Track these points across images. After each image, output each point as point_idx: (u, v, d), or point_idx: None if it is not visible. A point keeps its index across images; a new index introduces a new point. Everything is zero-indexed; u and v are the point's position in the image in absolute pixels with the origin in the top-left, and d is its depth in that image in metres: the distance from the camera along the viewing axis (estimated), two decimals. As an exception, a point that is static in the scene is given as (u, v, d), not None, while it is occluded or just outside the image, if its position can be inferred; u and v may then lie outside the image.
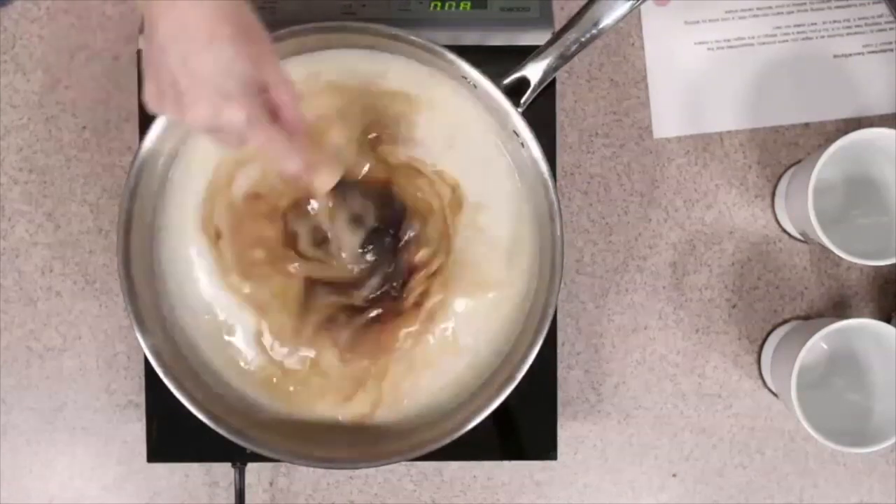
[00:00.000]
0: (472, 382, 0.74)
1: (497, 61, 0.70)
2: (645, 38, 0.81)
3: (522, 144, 0.70)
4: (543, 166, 0.69)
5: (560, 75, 0.72)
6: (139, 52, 0.76)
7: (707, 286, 0.82)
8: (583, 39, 0.68)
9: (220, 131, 0.59)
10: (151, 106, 0.59)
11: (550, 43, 0.69)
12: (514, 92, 0.69)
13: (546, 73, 0.69)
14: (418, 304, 0.73)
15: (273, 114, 0.60)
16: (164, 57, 0.56)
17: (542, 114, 0.74)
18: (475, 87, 0.70)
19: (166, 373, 0.70)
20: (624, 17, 0.67)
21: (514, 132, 0.70)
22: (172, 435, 0.78)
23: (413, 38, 0.69)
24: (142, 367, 0.79)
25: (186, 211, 0.73)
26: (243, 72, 0.56)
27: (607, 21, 0.68)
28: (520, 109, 0.69)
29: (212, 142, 0.61)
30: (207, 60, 0.56)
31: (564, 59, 0.69)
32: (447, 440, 0.70)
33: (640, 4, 0.67)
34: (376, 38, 0.71)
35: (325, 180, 0.66)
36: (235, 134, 0.59)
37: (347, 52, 0.73)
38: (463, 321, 0.74)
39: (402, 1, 0.77)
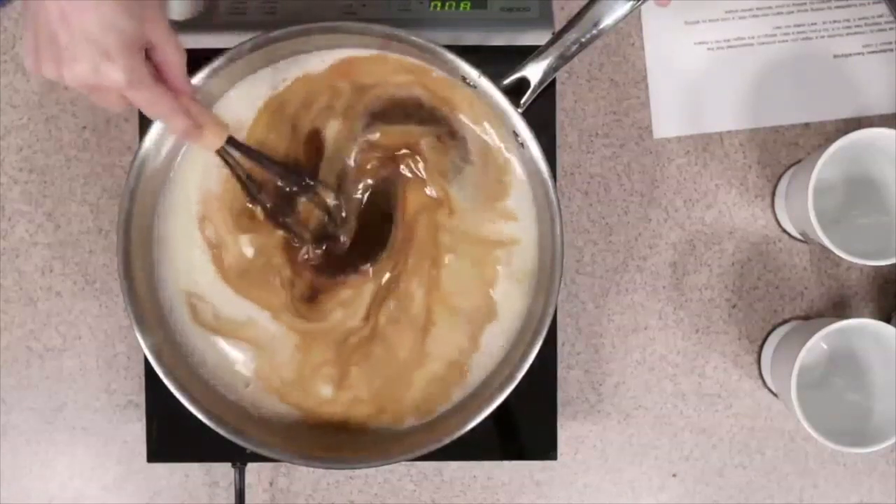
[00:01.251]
0: (472, 382, 0.74)
1: (497, 61, 0.70)
2: (645, 38, 0.81)
3: (522, 144, 0.70)
4: (543, 166, 0.69)
5: (560, 75, 0.72)
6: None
7: (707, 286, 0.82)
8: (583, 40, 0.68)
9: (100, 90, 0.57)
10: (28, 63, 0.58)
11: (550, 43, 0.69)
12: (514, 92, 0.69)
13: (546, 74, 0.69)
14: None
15: (157, 72, 0.59)
16: (43, 11, 0.55)
17: (542, 114, 0.74)
18: (475, 87, 0.70)
19: (166, 373, 0.70)
20: (624, 17, 0.67)
21: (514, 132, 0.70)
22: (172, 435, 0.78)
23: (413, 38, 0.69)
24: (142, 367, 0.79)
25: (187, 211, 0.73)
26: (125, 29, 0.55)
27: (607, 21, 0.68)
28: (520, 110, 0.69)
29: (93, 100, 0.59)
30: (88, 16, 0.54)
31: (565, 59, 0.69)
32: (447, 440, 0.70)
33: (640, 5, 0.67)
34: (376, 38, 0.71)
35: (212, 140, 0.65)
36: (116, 93, 0.58)
37: (346, 51, 0.74)
38: (463, 320, 0.74)
39: (402, 1, 0.77)
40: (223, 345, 0.74)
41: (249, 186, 0.71)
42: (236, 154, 0.69)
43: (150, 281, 0.73)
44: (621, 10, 0.67)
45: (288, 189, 0.72)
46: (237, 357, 0.74)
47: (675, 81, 0.81)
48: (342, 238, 0.73)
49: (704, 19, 0.81)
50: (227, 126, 0.66)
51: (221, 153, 0.67)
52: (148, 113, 0.61)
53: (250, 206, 0.73)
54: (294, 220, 0.73)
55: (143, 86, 0.58)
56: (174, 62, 0.60)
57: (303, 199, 0.73)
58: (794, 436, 0.82)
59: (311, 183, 0.73)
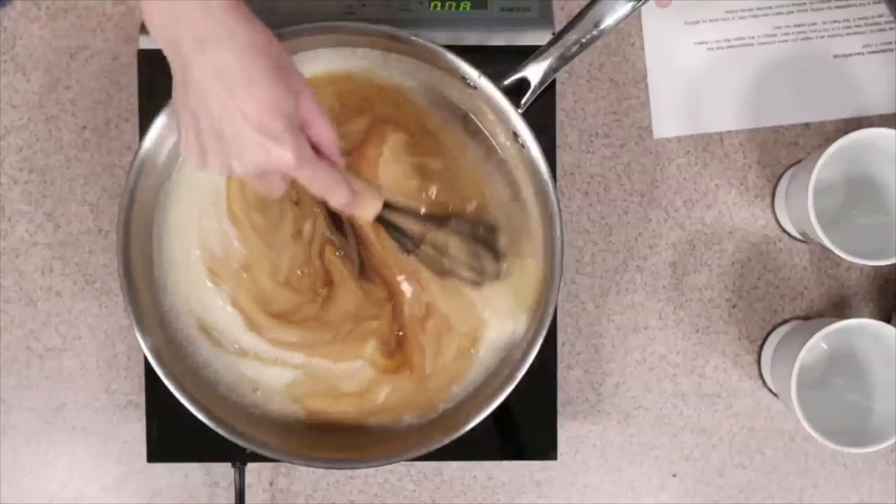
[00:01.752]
0: (472, 382, 0.74)
1: (497, 61, 0.70)
2: (645, 38, 0.81)
3: (523, 145, 0.70)
4: (543, 167, 0.69)
5: (560, 75, 0.72)
6: (139, 52, 0.76)
7: (707, 286, 0.82)
8: (583, 40, 0.68)
9: (268, 174, 0.57)
10: (194, 162, 0.57)
11: (551, 44, 0.69)
12: (515, 92, 0.69)
13: (546, 74, 0.69)
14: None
15: (314, 148, 0.58)
16: (202, 106, 0.54)
17: (542, 114, 0.74)
18: (475, 87, 0.70)
19: (166, 373, 0.70)
20: (625, 18, 0.67)
21: (515, 133, 0.70)
22: (172, 435, 0.78)
23: (413, 38, 0.69)
24: (142, 367, 0.79)
25: (187, 210, 0.73)
26: (286, 108, 0.55)
27: (608, 22, 0.68)
28: (520, 110, 0.69)
29: (257, 188, 0.58)
30: (249, 102, 0.54)
31: (565, 59, 0.69)
32: (447, 440, 0.70)
33: (641, 5, 0.67)
34: (376, 38, 0.71)
35: (370, 209, 0.65)
36: (282, 175, 0.57)
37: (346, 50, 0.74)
38: (462, 320, 0.74)
39: (402, 1, 0.77)
40: (223, 343, 0.74)
41: (410, 248, 0.72)
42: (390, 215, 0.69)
43: (150, 281, 0.73)
44: (622, 10, 0.67)
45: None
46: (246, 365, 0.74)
47: (675, 81, 0.81)
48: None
49: (704, 19, 0.81)
50: (381, 192, 0.66)
51: (380, 219, 0.67)
52: (314, 189, 0.59)
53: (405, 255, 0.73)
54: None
55: (309, 163, 0.57)
56: (328, 136, 0.59)
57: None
58: (794, 436, 0.82)
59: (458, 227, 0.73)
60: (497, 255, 0.73)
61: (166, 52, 0.56)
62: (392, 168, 0.72)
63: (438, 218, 0.72)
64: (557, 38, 0.69)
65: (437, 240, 0.72)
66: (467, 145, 0.73)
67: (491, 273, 0.73)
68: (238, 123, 0.54)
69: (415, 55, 0.72)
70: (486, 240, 0.73)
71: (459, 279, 0.73)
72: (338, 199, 0.61)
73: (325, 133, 0.59)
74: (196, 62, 0.54)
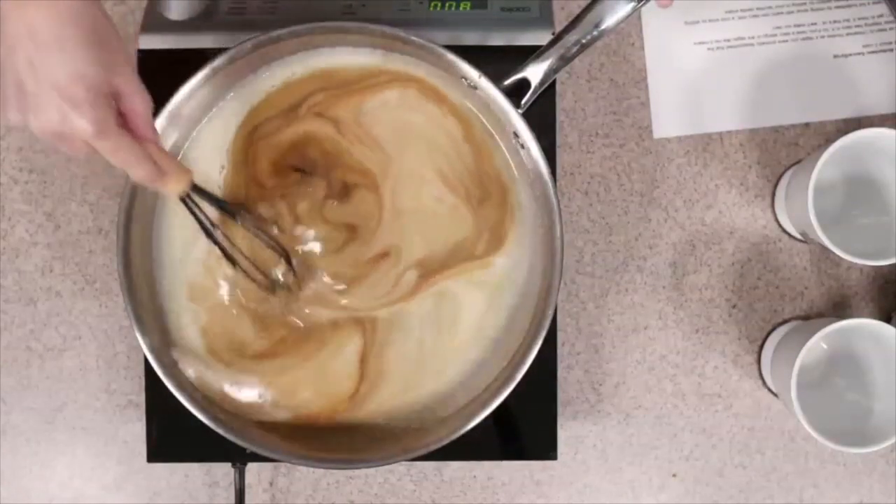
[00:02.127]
0: (471, 382, 0.74)
1: (497, 62, 0.70)
2: (645, 38, 0.81)
3: (522, 146, 0.70)
4: (543, 167, 0.69)
5: (560, 75, 0.72)
6: (139, 53, 0.76)
7: (707, 286, 0.82)
8: (584, 41, 0.68)
9: (66, 139, 0.57)
10: None
11: (551, 44, 0.69)
12: (515, 93, 0.69)
13: (547, 75, 0.69)
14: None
15: (123, 120, 0.59)
16: (11, 58, 0.55)
17: (542, 114, 0.74)
18: (475, 88, 0.70)
19: (166, 373, 0.70)
20: (626, 18, 0.67)
21: (515, 133, 0.70)
22: (172, 435, 0.78)
23: (413, 38, 0.69)
24: (142, 367, 0.79)
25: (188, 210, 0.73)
26: (93, 78, 0.55)
27: (608, 23, 0.68)
28: (520, 111, 0.69)
29: (57, 147, 0.58)
30: (55, 65, 0.54)
31: (565, 60, 0.69)
32: (447, 440, 0.70)
33: (641, 6, 0.67)
34: (376, 38, 0.71)
35: (175, 187, 0.64)
36: (81, 141, 0.57)
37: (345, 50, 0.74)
38: (462, 319, 0.74)
39: (402, 1, 0.77)
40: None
41: (210, 231, 0.69)
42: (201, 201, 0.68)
43: (150, 281, 0.73)
44: (622, 11, 0.67)
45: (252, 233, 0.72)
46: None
47: (675, 81, 0.81)
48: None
49: (704, 19, 0.81)
50: (190, 172, 0.65)
51: (184, 199, 0.66)
52: (113, 160, 0.59)
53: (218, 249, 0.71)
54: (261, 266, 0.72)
55: (109, 135, 0.57)
56: (140, 111, 0.59)
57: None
58: (794, 436, 0.82)
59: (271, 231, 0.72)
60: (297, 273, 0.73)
61: None
62: None
63: (238, 209, 0.71)
64: (558, 38, 0.69)
65: (232, 231, 0.71)
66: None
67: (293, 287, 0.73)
68: (41, 84, 0.54)
69: (415, 55, 0.72)
70: (288, 254, 0.72)
71: (246, 275, 0.72)
72: (138, 174, 0.61)
73: (139, 107, 0.59)
74: (13, 17, 0.54)
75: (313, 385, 0.73)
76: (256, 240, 0.71)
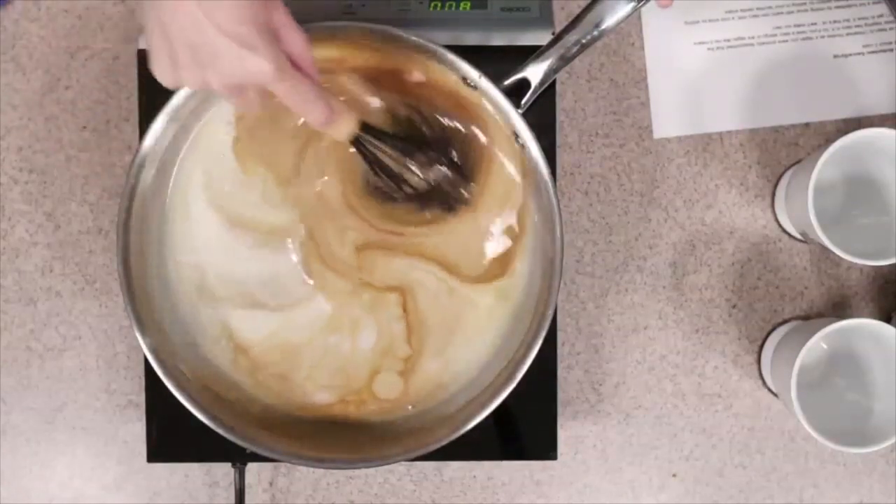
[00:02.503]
0: (471, 382, 0.74)
1: (497, 61, 0.70)
2: (645, 38, 0.81)
3: (523, 146, 0.70)
4: (543, 168, 0.69)
5: (560, 75, 0.72)
6: (139, 52, 0.76)
7: (707, 286, 0.82)
8: (584, 41, 0.68)
9: (244, 88, 0.56)
10: (167, 79, 0.56)
11: (551, 44, 0.69)
12: (515, 93, 0.69)
13: (547, 75, 0.69)
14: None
15: (290, 60, 0.57)
16: (175, 21, 0.53)
17: (542, 114, 0.74)
18: (475, 87, 0.70)
19: (166, 373, 0.70)
20: (626, 18, 0.67)
21: (515, 133, 0.70)
22: (172, 435, 0.78)
23: (414, 38, 0.69)
24: (142, 367, 0.79)
25: (187, 209, 0.73)
26: (259, 17, 0.54)
27: (609, 23, 0.67)
28: (520, 111, 0.69)
29: (234, 103, 0.57)
30: (221, 13, 0.53)
31: (565, 60, 0.69)
32: (447, 440, 0.70)
33: (642, 6, 0.67)
34: (377, 38, 0.71)
35: (345, 128, 0.64)
36: (258, 89, 0.56)
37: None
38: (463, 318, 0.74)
39: (401, 1, 0.77)
40: (223, 342, 0.74)
41: (391, 169, 0.70)
42: (368, 139, 0.67)
43: (149, 280, 0.73)
44: (622, 11, 0.67)
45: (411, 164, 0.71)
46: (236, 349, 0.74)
47: (675, 81, 0.81)
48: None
49: (704, 19, 0.81)
50: (358, 114, 0.65)
51: (355, 140, 0.66)
52: (292, 102, 0.58)
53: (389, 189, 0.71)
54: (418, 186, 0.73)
55: (288, 74, 0.56)
56: (304, 48, 0.58)
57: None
58: (794, 436, 0.82)
59: (433, 154, 0.72)
60: (466, 179, 0.73)
61: None
62: None
63: (416, 143, 0.71)
64: (558, 38, 0.69)
65: (411, 165, 0.71)
66: None
67: (463, 198, 0.73)
68: (212, 34, 0.53)
69: (416, 56, 0.72)
70: (454, 164, 0.72)
71: (438, 204, 0.72)
72: (316, 116, 0.60)
73: (300, 45, 0.58)
74: None
75: None
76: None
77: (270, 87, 0.57)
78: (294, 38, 0.57)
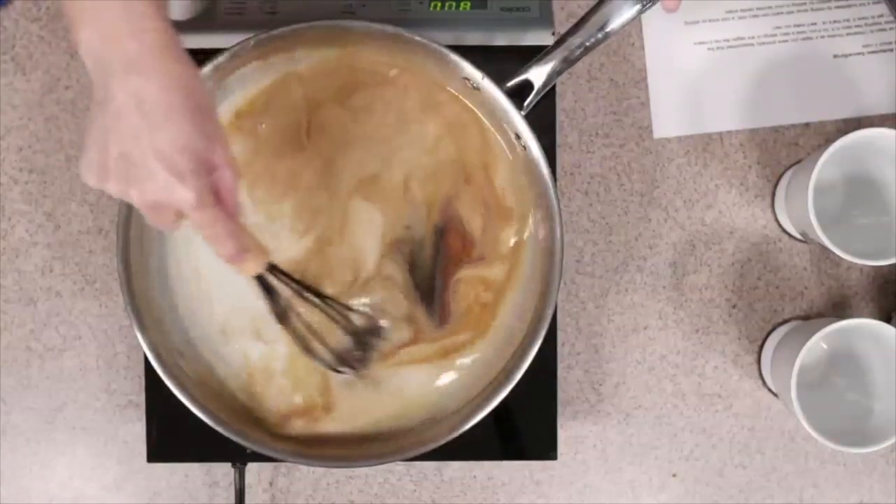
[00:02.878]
0: (471, 381, 0.74)
1: (497, 61, 0.71)
2: (645, 38, 0.81)
3: (525, 147, 0.70)
4: (545, 170, 0.69)
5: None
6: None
7: (707, 286, 0.82)
8: (587, 44, 0.68)
9: (162, 210, 0.57)
10: (91, 180, 0.56)
11: (555, 46, 0.69)
12: (517, 95, 0.69)
13: (550, 77, 0.69)
14: None
15: (215, 195, 0.58)
16: (116, 128, 0.54)
17: (542, 114, 0.74)
18: (477, 89, 0.70)
19: (166, 371, 0.70)
20: (629, 22, 0.67)
21: (517, 135, 0.70)
22: (172, 435, 0.78)
23: (417, 38, 0.69)
24: (142, 367, 0.79)
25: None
26: (198, 150, 0.55)
27: (613, 26, 0.67)
28: (523, 112, 0.69)
29: (148, 218, 0.58)
30: (163, 136, 0.54)
31: (568, 63, 0.69)
32: (447, 439, 0.70)
33: (647, 9, 0.67)
34: (381, 37, 0.71)
35: (253, 266, 0.64)
36: (175, 213, 0.57)
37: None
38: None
39: (401, 1, 0.77)
40: (223, 341, 0.74)
41: (284, 312, 0.69)
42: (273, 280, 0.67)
43: (149, 280, 0.73)
44: (626, 14, 0.67)
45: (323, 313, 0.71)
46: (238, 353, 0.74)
47: (675, 81, 0.81)
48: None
49: (704, 19, 0.81)
50: (268, 251, 0.65)
51: (260, 278, 0.66)
52: (204, 234, 0.59)
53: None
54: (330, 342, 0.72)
55: (208, 208, 0.57)
56: (230, 185, 0.58)
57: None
58: (794, 436, 0.82)
59: (343, 308, 0.72)
60: (366, 351, 0.73)
61: (89, 66, 0.55)
62: None
63: (316, 295, 0.71)
64: (561, 40, 0.69)
65: (308, 315, 0.71)
66: None
67: (356, 365, 0.73)
68: (147, 155, 0.54)
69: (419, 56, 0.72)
70: (358, 332, 0.72)
71: (320, 361, 0.71)
72: (225, 251, 0.60)
73: (229, 183, 0.58)
74: (120, 86, 0.53)
75: None
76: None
77: (189, 215, 0.57)
78: (226, 175, 0.58)
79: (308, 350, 0.71)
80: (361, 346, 0.72)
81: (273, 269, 0.66)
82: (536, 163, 0.69)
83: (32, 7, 0.80)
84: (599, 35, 0.68)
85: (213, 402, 0.72)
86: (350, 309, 0.72)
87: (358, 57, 0.73)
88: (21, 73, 0.80)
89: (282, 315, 0.69)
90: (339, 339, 0.72)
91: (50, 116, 0.80)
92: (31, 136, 0.80)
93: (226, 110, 0.73)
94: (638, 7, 0.67)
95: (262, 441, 0.71)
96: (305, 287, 0.70)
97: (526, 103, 0.69)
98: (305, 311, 0.71)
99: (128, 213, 0.70)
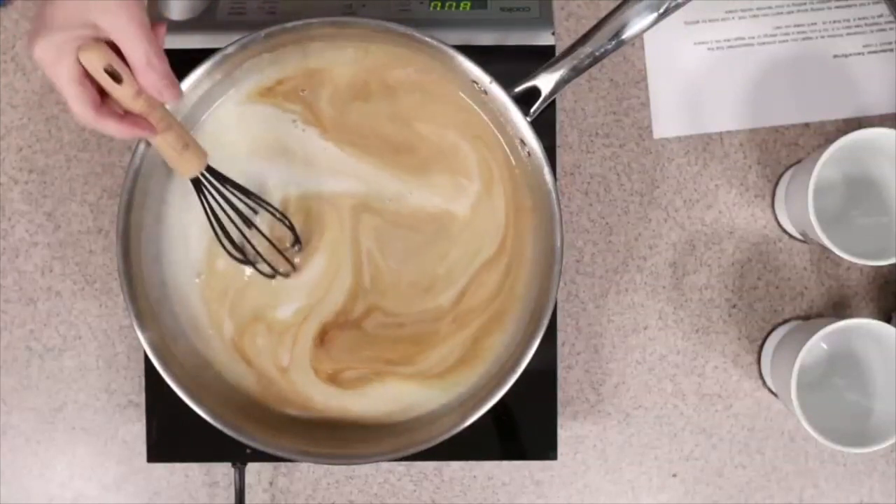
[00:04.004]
0: (471, 380, 0.74)
1: (497, 61, 0.71)
2: (645, 38, 0.81)
3: (529, 153, 0.70)
4: (548, 177, 0.69)
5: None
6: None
7: (707, 286, 0.82)
8: (597, 53, 0.68)
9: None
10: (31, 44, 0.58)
11: (565, 54, 0.69)
12: (523, 100, 0.69)
13: (557, 85, 0.69)
14: None
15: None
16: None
17: (542, 114, 0.74)
18: (485, 93, 0.70)
19: (166, 369, 0.70)
20: (641, 33, 0.67)
21: (521, 141, 0.70)
22: (172, 435, 0.78)
23: (427, 39, 0.69)
24: (142, 366, 0.79)
25: (187, 209, 0.73)
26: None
27: (625, 35, 0.68)
28: (529, 118, 0.69)
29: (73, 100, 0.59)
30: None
31: (577, 71, 0.69)
32: (446, 436, 0.70)
33: (663, 19, 0.67)
34: (388, 35, 0.71)
35: (196, 165, 0.65)
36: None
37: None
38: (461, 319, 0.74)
39: (402, 1, 0.77)
40: (223, 341, 0.74)
41: (217, 222, 0.70)
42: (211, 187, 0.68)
43: (149, 279, 0.73)
44: (642, 23, 0.67)
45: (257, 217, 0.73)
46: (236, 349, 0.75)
47: (675, 81, 0.81)
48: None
49: (704, 19, 0.81)
50: (206, 155, 0.66)
51: (198, 181, 0.67)
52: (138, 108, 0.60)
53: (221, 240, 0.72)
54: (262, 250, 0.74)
55: (90, 121, 0.59)
56: (135, 62, 0.58)
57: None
58: (794, 436, 0.82)
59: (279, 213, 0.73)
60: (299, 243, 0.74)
61: None
62: None
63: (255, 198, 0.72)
64: (572, 48, 0.69)
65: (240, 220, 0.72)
66: None
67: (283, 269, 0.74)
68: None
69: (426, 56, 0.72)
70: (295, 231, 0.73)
71: (253, 268, 0.73)
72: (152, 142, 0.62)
73: (132, 58, 0.58)
74: None
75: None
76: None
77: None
78: (128, 49, 0.58)
79: (240, 261, 0.72)
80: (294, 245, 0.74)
81: (210, 171, 0.66)
82: (541, 170, 0.70)
83: (32, 7, 0.80)
84: (610, 45, 0.68)
85: (212, 400, 0.72)
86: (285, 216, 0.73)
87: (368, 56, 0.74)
88: (21, 73, 0.80)
89: (218, 222, 0.70)
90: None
91: (50, 116, 0.80)
92: (31, 136, 0.80)
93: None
94: (654, 16, 0.67)
95: (261, 438, 0.71)
96: (244, 190, 0.71)
97: (532, 110, 0.69)
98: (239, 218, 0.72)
99: (128, 214, 0.70)
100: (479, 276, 0.75)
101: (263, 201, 0.72)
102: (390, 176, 0.74)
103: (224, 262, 0.74)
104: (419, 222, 0.75)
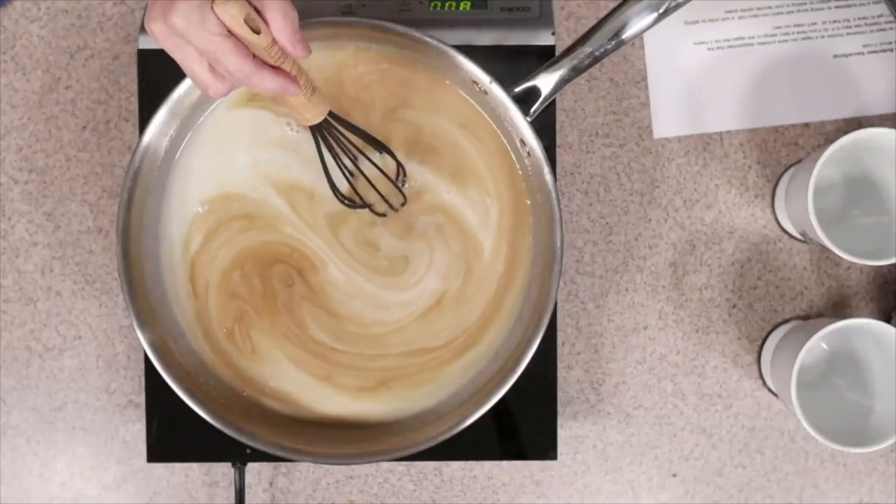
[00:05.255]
0: (470, 380, 0.74)
1: (497, 61, 0.71)
2: (645, 38, 0.81)
3: (529, 154, 0.70)
4: (548, 177, 0.69)
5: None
6: (139, 52, 0.76)
7: (707, 286, 0.82)
8: (597, 53, 0.68)
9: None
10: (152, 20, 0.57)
11: (565, 54, 0.69)
12: (524, 100, 0.69)
13: (557, 85, 0.69)
14: None
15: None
16: None
17: (542, 114, 0.74)
18: (485, 92, 0.70)
19: (166, 369, 0.70)
20: (641, 33, 0.67)
21: (522, 141, 0.70)
22: (172, 435, 0.78)
23: (427, 39, 0.69)
24: (142, 366, 0.79)
25: (187, 208, 0.73)
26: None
27: (626, 35, 0.67)
28: (529, 118, 0.69)
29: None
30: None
31: (577, 71, 0.69)
32: (446, 436, 0.70)
33: (663, 18, 0.67)
34: (387, 35, 0.71)
35: (321, 110, 0.65)
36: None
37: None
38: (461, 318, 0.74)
39: (402, 1, 0.77)
40: (223, 340, 0.74)
41: (343, 162, 0.71)
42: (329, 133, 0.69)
43: (149, 279, 0.73)
44: (642, 23, 0.67)
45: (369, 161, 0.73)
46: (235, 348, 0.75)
47: (675, 81, 0.81)
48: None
49: (704, 19, 0.81)
50: (328, 103, 0.66)
51: (319, 128, 0.67)
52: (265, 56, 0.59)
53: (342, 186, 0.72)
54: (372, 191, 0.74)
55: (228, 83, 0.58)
56: (272, 18, 0.57)
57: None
58: (794, 436, 0.82)
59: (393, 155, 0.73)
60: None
61: None
62: None
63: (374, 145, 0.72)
64: (572, 48, 0.69)
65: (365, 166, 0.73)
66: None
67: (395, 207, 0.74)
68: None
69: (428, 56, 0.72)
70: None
71: (370, 210, 0.74)
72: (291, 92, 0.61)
73: (270, 15, 0.58)
74: None
75: None
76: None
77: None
78: (270, 11, 0.57)
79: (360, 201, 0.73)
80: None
81: (333, 116, 0.67)
82: (541, 171, 0.69)
83: (32, 7, 0.80)
84: (610, 45, 0.68)
85: (212, 400, 0.72)
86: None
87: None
88: (21, 73, 0.80)
89: (340, 162, 0.71)
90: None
91: (50, 116, 0.80)
92: (31, 136, 0.80)
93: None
94: (654, 16, 0.67)
95: (261, 438, 0.71)
96: (360, 131, 0.71)
97: (532, 110, 0.69)
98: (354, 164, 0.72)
99: (128, 214, 0.70)
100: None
101: (373, 138, 0.72)
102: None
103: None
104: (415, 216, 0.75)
